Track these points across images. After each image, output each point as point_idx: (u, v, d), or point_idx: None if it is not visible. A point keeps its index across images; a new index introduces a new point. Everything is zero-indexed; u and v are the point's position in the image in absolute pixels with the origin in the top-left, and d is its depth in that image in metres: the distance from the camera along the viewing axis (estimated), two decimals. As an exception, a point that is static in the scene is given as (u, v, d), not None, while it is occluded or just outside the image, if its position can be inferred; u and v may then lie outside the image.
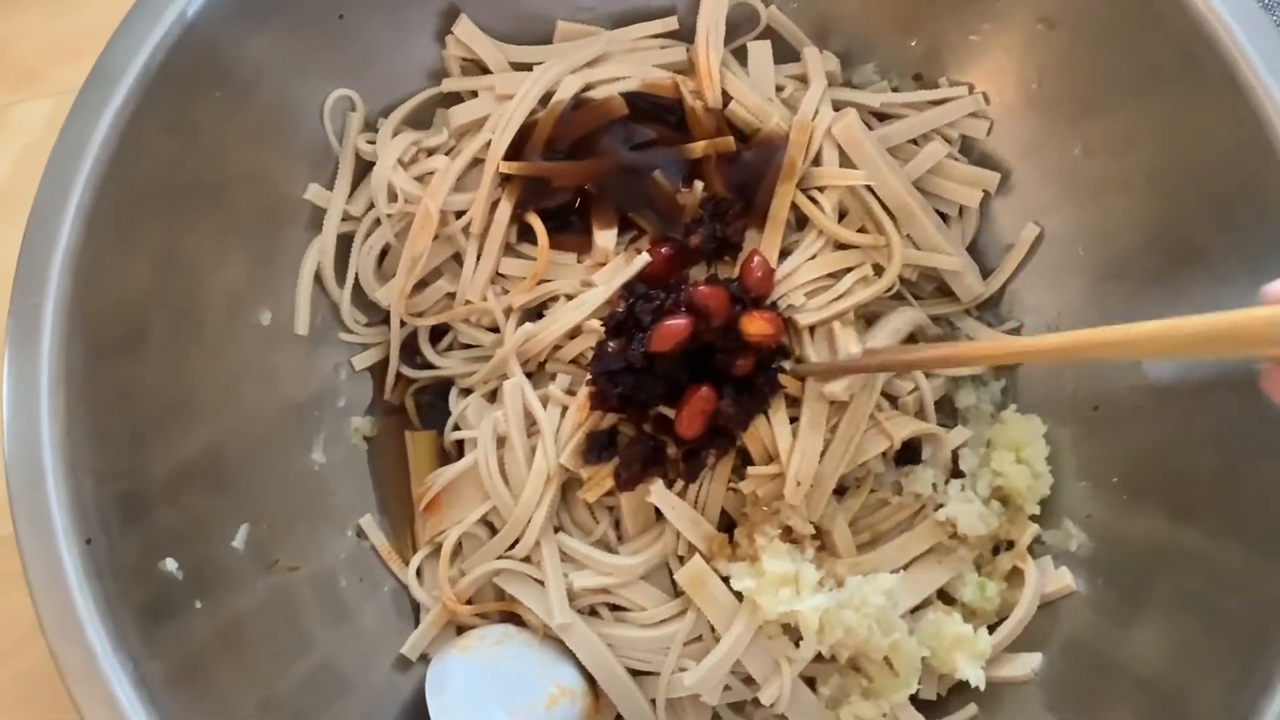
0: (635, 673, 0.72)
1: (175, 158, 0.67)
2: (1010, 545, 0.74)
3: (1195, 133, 0.66)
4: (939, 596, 0.74)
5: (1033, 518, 0.74)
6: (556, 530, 0.72)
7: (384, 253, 0.78)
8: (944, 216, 0.79)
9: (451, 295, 0.77)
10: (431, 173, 0.75)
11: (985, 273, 0.79)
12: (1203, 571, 0.64)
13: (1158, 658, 0.64)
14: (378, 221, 0.77)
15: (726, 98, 0.75)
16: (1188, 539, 0.65)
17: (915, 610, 0.73)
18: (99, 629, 0.57)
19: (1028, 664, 0.70)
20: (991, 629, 0.71)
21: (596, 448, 0.70)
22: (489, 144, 0.74)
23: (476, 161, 0.75)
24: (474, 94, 0.77)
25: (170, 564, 0.63)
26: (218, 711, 0.62)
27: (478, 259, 0.75)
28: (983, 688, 0.69)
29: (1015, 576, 0.73)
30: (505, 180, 0.74)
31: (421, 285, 0.77)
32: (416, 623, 0.75)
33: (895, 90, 0.79)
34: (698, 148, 0.74)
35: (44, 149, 0.62)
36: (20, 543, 0.58)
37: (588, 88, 0.75)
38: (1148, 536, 0.68)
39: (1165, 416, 0.68)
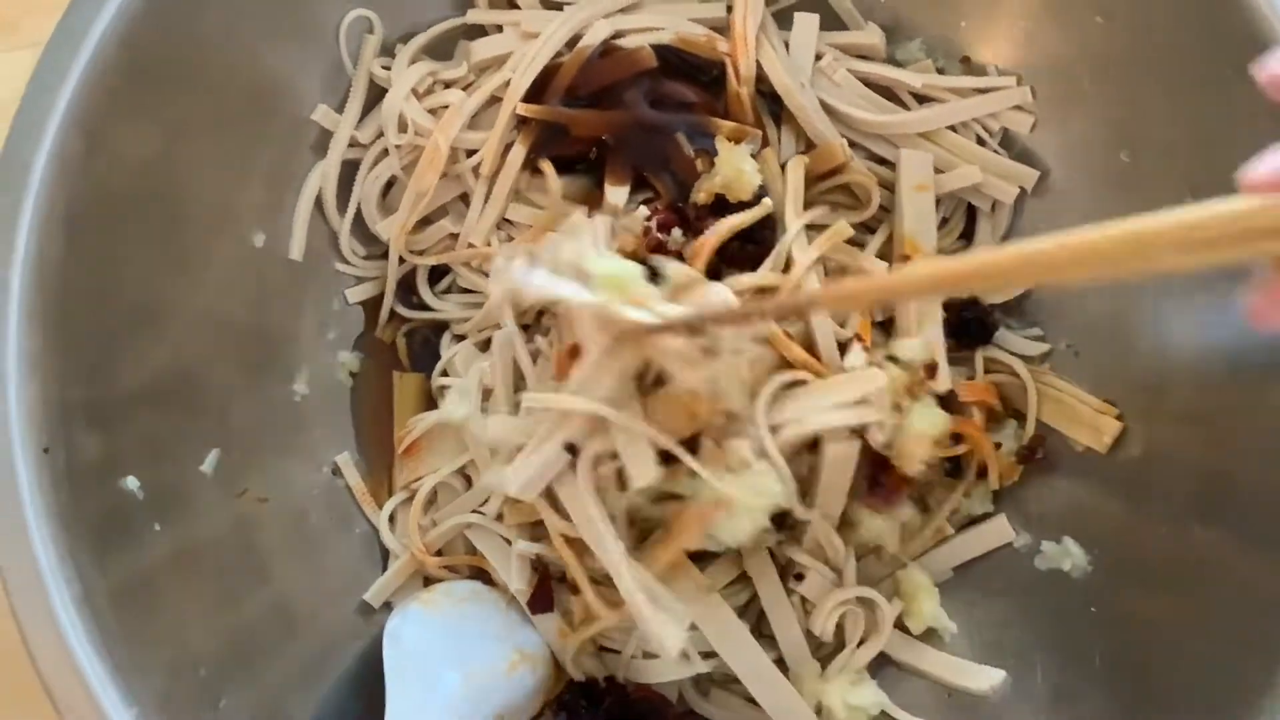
0: (601, 649, 0.70)
1: (177, 60, 0.64)
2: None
3: (1245, 146, 0.62)
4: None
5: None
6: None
7: (389, 185, 0.75)
8: (976, 211, 0.75)
9: (455, 236, 0.74)
10: (445, 106, 0.72)
11: (1011, 275, 0.75)
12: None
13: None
14: (385, 151, 0.74)
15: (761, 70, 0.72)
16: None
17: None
18: (47, 542, 0.55)
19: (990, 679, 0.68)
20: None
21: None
22: (508, 83, 0.71)
23: (493, 100, 0.72)
24: (499, 29, 0.74)
25: (132, 482, 0.61)
26: (164, 638, 0.60)
27: (485, 201, 0.72)
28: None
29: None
30: (521, 123, 0.71)
31: (425, 223, 0.74)
32: (385, 569, 0.73)
33: (940, 71, 0.76)
34: (725, 128, 0.70)
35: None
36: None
37: (617, 35, 0.72)
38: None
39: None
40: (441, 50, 0.76)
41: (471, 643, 0.66)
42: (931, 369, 0.68)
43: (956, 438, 0.70)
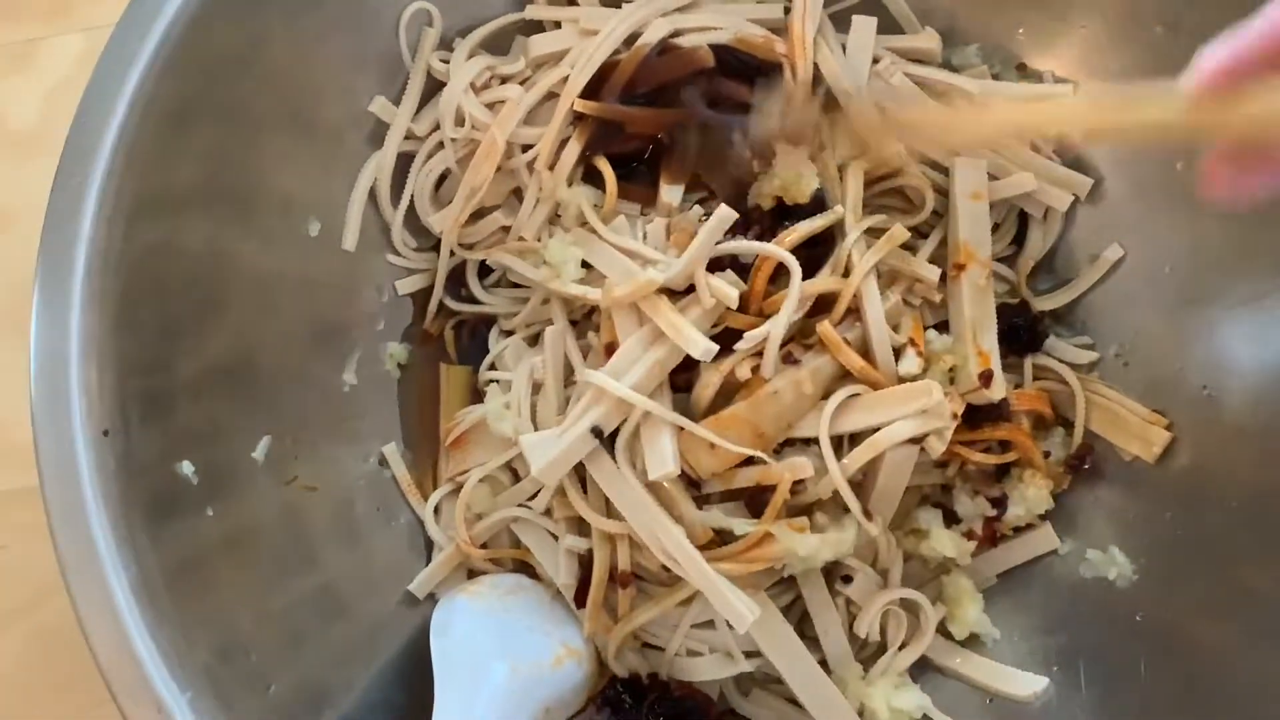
0: (645, 645, 0.70)
1: (240, 54, 0.65)
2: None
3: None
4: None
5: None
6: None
7: (442, 178, 0.75)
8: (1028, 217, 0.75)
9: (506, 230, 0.74)
10: (502, 101, 0.72)
11: (1061, 283, 0.75)
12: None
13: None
14: (441, 144, 0.74)
15: (818, 71, 0.72)
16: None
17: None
18: (105, 526, 0.55)
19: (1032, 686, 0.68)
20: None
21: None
22: (565, 79, 0.71)
23: (550, 95, 0.72)
24: (557, 25, 0.74)
25: (187, 467, 0.61)
26: (216, 623, 0.60)
27: (538, 197, 0.72)
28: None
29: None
30: (578, 119, 0.71)
31: (476, 216, 0.74)
32: (429, 560, 0.73)
33: (996, 77, 0.75)
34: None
35: (75, 88, 0.59)
36: (35, 427, 0.56)
37: (676, 34, 0.72)
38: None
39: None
40: (499, 45, 0.76)
41: (518, 636, 0.66)
42: (987, 377, 0.68)
43: (1005, 445, 0.70)
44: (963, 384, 0.68)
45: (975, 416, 0.70)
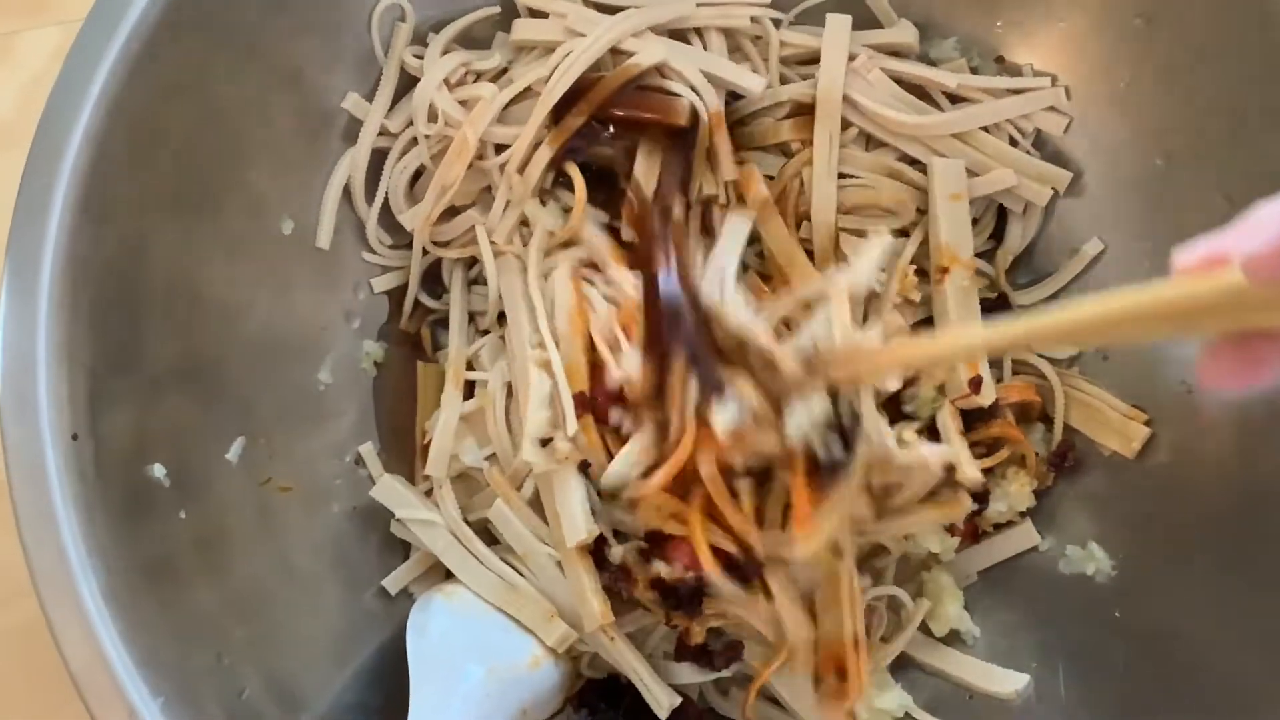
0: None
1: (210, 52, 0.64)
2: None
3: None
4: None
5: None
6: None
7: (417, 175, 0.75)
8: (1007, 212, 0.75)
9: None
10: (477, 99, 0.71)
11: (1040, 277, 0.75)
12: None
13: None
14: (415, 141, 0.73)
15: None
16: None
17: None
18: (75, 531, 0.54)
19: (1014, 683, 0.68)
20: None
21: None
22: (544, 80, 0.70)
23: (526, 94, 0.71)
24: (541, 16, 0.73)
25: (158, 470, 0.61)
26: (188, 627, 0.59)
27: (508, 200, 0.72)
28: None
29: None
30: (553, 122, 0.70)
31: (451, 213, 0.74)
32: (405, 559, 0.73)
33: (975, 70, 0.75)
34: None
35: (52, 82, 0.58)
36: (4, 432, 0.55)
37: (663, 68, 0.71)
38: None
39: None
40: (475, 40, 0.75)
41: (495, 636, 0.66)
42: (976, 383, 0.67)
43: (990, 447, 0.70)
44: (951, 391, 0.68)
45: (965, 418, 0.70)
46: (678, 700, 0.66)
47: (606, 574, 0.65)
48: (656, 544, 0.64)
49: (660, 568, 0.63)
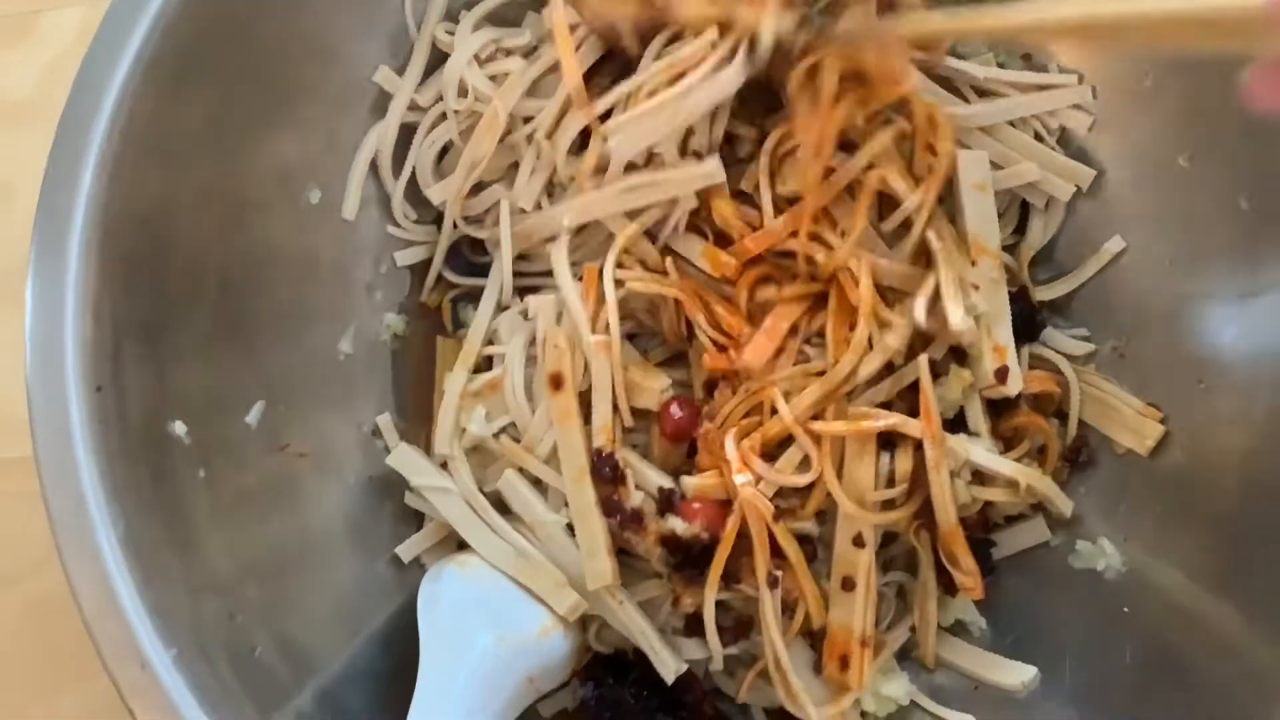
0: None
1: (243, 20, 0.65)
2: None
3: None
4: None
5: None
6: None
7: (444, 150, 0.75)
8: (1029, 206, 0.75)
9: (509, 203, 0.74)
10: (505, 74, 0.72)
11: (1061, 273, 0.75)
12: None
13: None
14: (444, 116, 0.74)
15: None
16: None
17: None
18: (95, 480, 0.55)
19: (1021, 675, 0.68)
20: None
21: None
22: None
23: (554, 68, 0.71)
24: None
25: (179, 427, 0.61)
26: (202, 583, 0.60)
27: (534, 166, 0.72)
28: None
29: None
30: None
31: (478, 188, 0.74)
32: (419, 530, 0.73)
33: (1002, 66, 0.75)
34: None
35: (75, 60, 0.59)
36: (29, 384, 0.56)
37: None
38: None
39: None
40: (508, 17, 0.75)
41: (505, 605, 0.66)
42: (1003, 374, 0.68)
43: (1008, 441, 0.71)
44: (980, 381, 0.68)
45: (994, 408, 0.71)
46: (684, 666, 0.66)
47: (617, 519, 0.66)
48: (671, 504, 0.66)
49: (676, 523, 0.64)
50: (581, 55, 0.69)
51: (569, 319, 0.68)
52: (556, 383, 0.67)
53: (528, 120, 0.72)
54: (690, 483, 0.66)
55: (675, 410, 0.67)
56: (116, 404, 0.58)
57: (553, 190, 0.73)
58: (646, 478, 0.67)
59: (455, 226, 0.75)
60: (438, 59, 0.74)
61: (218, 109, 0.64)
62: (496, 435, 0.71)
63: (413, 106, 0.74)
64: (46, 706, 0.74)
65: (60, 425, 0.56)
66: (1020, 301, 0.73)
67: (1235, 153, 0.67)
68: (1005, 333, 0.69)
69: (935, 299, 0.66)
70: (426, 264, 0.77)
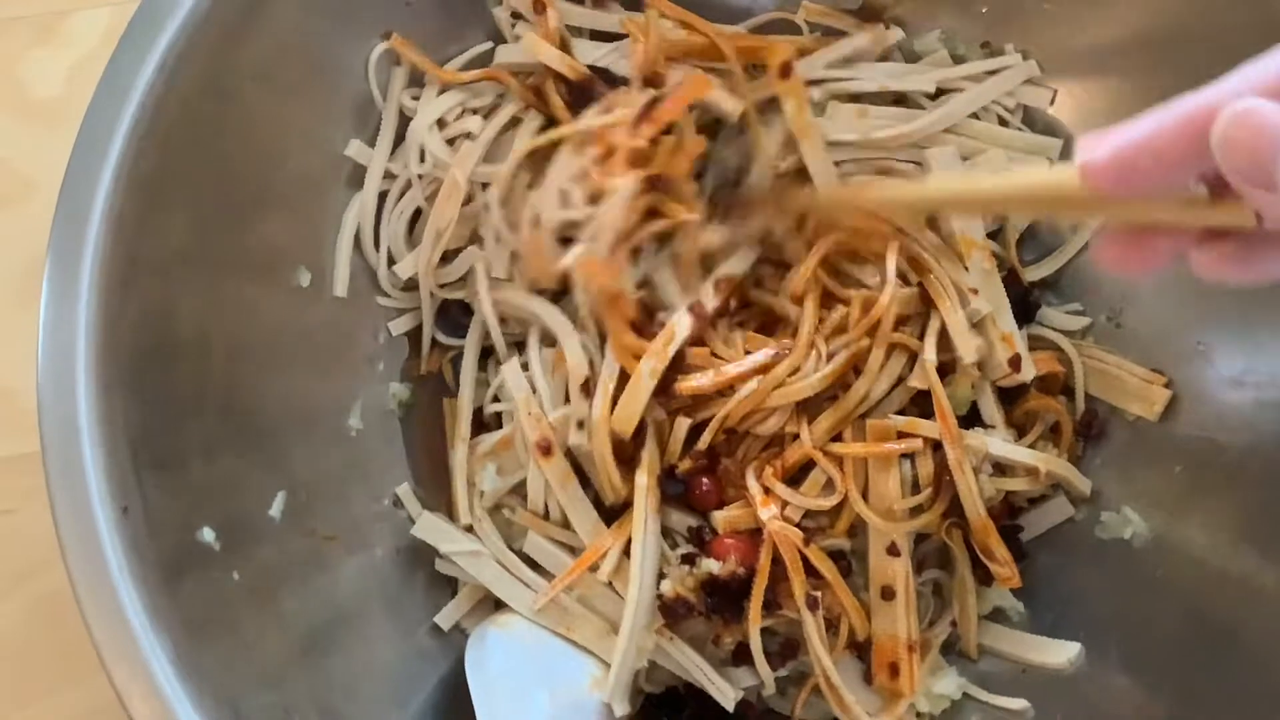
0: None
1: (213, 113, 0.64)
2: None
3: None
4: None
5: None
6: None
7: (416, 216, 0.75)
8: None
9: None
10: (467, 134, 0.72)
11: (1047, 251, 0.76)
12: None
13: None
14: (410, 183, 0.74)
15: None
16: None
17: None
18: (137, 606, 0.55)
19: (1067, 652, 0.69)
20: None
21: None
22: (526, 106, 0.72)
23: (514, 123, 0.72)
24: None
25: (208, 534, 0.61)
26: (252, 682, 0.60)
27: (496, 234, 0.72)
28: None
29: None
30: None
31: (452, 254, 0.74)
32: (453, 594, 0.74)
33: (961, 58, 0.76)
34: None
35: (99, 61, 0.59)
36: (55, 511, 0.55)
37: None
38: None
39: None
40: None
41: (553, 661, 0.66)
42: (1015, 362, 0.69)
43: (1021, 428, 0.72)
44: (993, 372, 0.69)
45: (1004, 396, 0.72)
46: (741, 693, 0.67)
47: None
48: (702, 541, 0.67)
49: (711, 564, 0.64)
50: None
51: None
52: (545, 449, 0.68)
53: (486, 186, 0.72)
54: (719, 516, 0.66)
55: (704, 484, 0.68)
56: (145, 522, 0.57)
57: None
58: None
59: (433, 295, 0.75)
60: (407, 125, 0.74)
61: (200, 202, 0.64)
62: (512, 508, 0.72)
63: (389, 175, 0.74)
64: (53, 702, 0.74)
65: (93, 552, 0.55)
66: (1013, 284, 0.74)
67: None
68: (1009, 321, 0.70)
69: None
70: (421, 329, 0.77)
